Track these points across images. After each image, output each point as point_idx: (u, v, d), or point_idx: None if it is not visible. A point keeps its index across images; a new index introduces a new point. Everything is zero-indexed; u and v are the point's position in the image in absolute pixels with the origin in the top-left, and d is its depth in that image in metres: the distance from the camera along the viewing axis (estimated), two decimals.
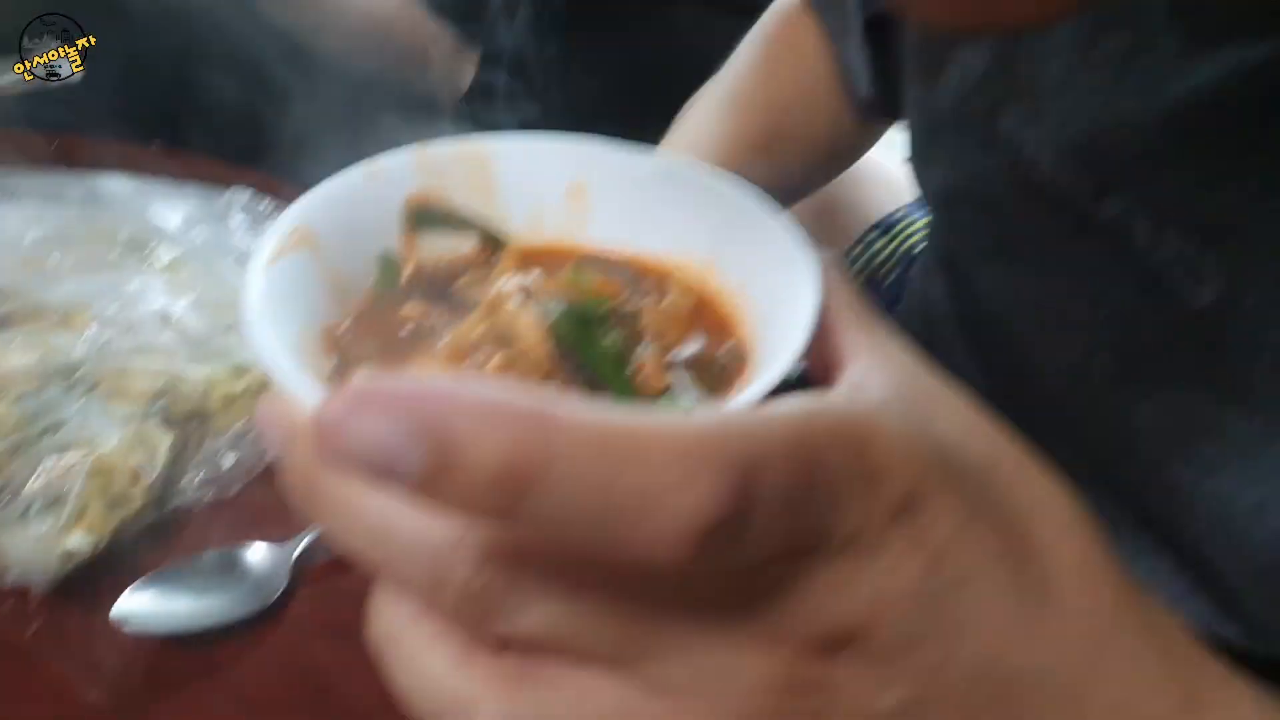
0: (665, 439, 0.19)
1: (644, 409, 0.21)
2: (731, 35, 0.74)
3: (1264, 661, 0.32)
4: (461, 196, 0.36)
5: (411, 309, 0.33)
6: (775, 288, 0.30)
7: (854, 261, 0.92)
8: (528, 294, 0.31)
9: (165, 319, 0.53)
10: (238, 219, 0.57)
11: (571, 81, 1.18)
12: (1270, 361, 0.35)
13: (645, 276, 0.35)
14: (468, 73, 1.10)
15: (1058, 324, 0.46)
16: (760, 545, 0.19)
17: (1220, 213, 0.36)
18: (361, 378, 0.18)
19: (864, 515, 0.21)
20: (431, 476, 0.18)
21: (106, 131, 0.97)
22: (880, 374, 0.25)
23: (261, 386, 0.55)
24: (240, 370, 0.55)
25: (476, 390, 0.18)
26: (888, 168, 0.91)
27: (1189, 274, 0.38)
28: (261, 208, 0.60)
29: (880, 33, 0.63)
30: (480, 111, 1.15)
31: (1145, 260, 0.39)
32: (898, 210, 0.89)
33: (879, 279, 0.90)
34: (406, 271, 0.35)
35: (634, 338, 0.32)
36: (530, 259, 0.35)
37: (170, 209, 0.56)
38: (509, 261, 0.35)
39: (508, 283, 0.32)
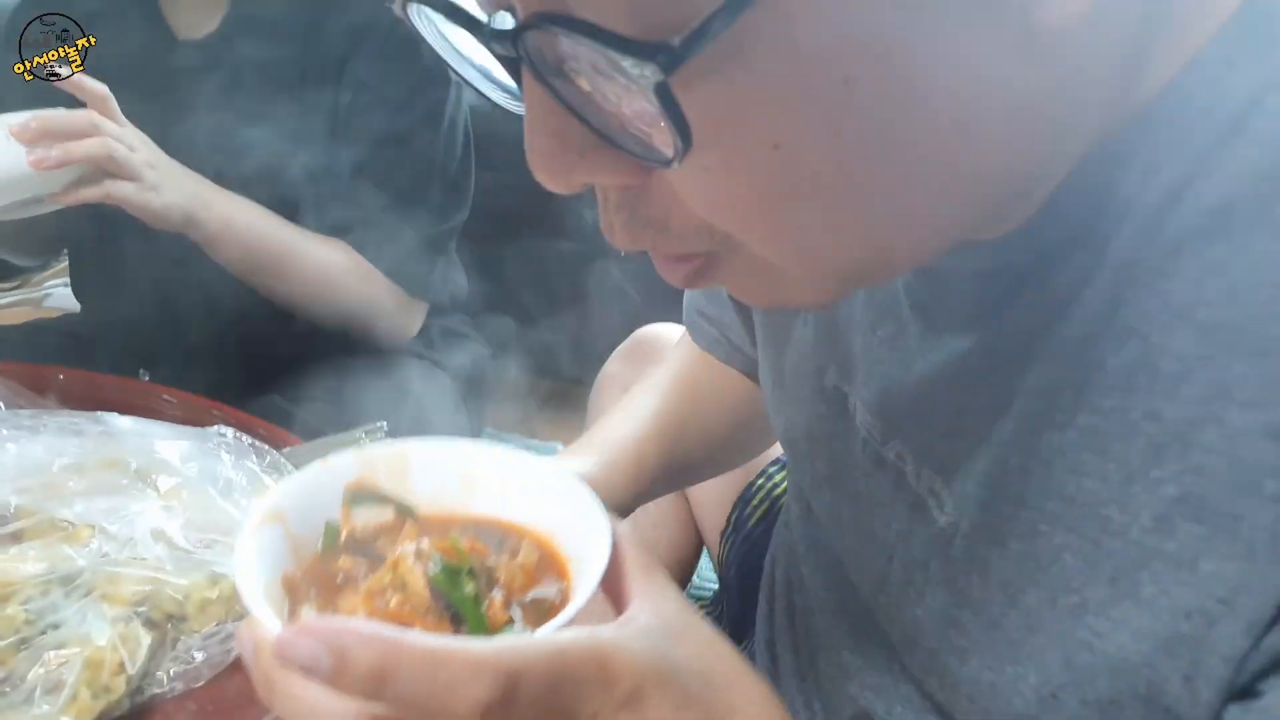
0: (467, 655, 0.35)
1: (463, 638, 0.38)
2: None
3: None
4: (386, 482, 0.51)
5: (344, 562, 0.48)
6: (587, 553, 0.46)
7: (757, 491, 1.06)
8: (418, 555, 0.46)
9: (159, 535, 0.65)
10: (225, 456, 0.70)
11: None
12: (981, 570, 0.47)
13: (509, 536, 0.50)
14: (417, 321, 1.25)
15: (866, 540, 0.57)
16: None
17: (949, 458, 0.49)
18: (304, 617, 0.34)
19: (602, 703, 0.37)
20: (334, 673, 0.35)
21: (99, 364, 1.09)
22: (645, 613, 0.41)
23: (232, 594, 0.66)
24: (215, 579, 0.66)
25: (361, 624, 0.36)
26: None
27: (936, 502, 0.50)
28: (243, 444, 0.73)
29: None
30: (432, 352, 1.29)
31: (913, 490, 0.52)
32: None
33: (777, 507, 1.04)
34: (344, 535, 0.50)
35: (490, 585, 0.47)
36: (430, 525, 0.51)
37: (172, 445, 0.69)
38: (410, 532, 0.49)
39: (405, 549, 0.47)
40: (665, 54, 0.30)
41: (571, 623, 0.40)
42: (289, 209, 1.13)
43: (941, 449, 0.50)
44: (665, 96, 0.31)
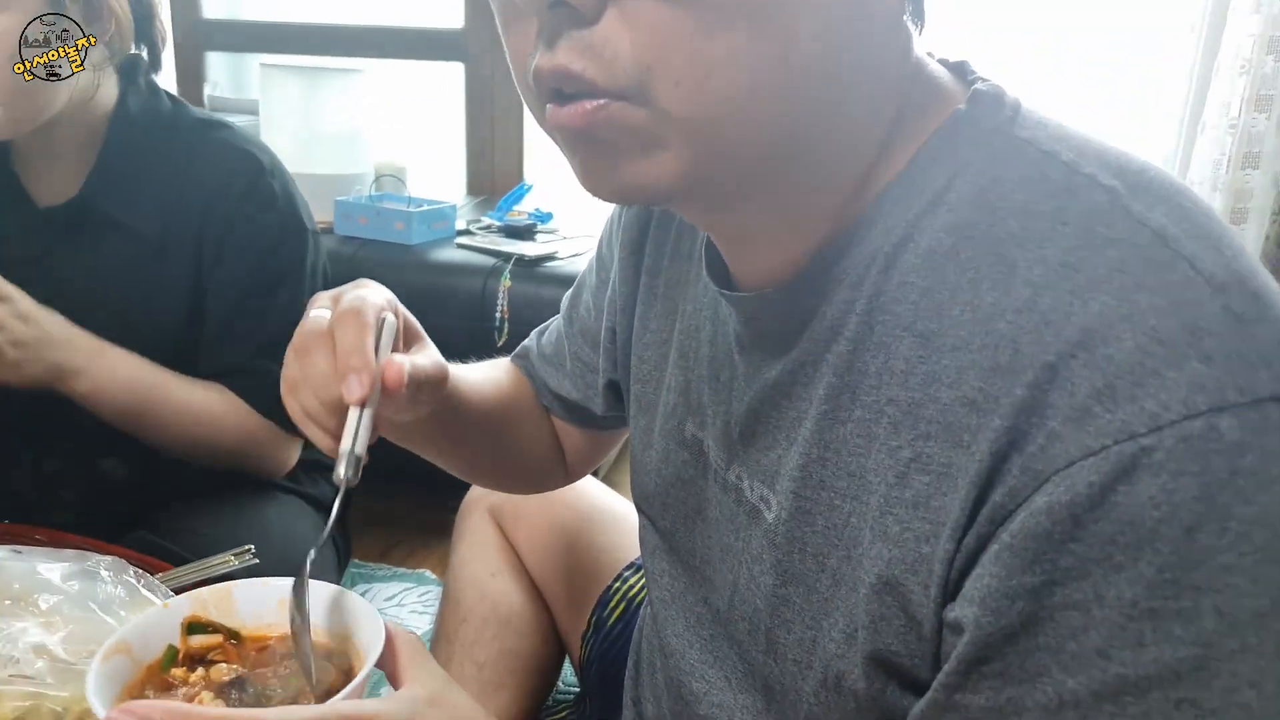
0: (251, 715, 0.49)
1: (250, 709, 0.54)
2: None
3: None
4: (216, 614, 0.65)
5: (178, 672, 0.61)
6: (371, 646, 0.58)
7: (614, 594, 1.14)
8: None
9: (40, 650, 0.69)
10: (104, 574, 0.75)
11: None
12: (800, 548, 0.57)
13: (319, 642, 0.63)
14: (294, 454, 1.28)
15: (724, 556, 0.67)
16: None
17: (771, 466, 0.61)
18: (125, 704, 0.48)
19: None
20: None
21: None
22: (413, 685, 0.56)
23: None
24: None
25: (164, 703, 0.49)
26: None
27: (765, 506, 0.61)
28: (120, 563, 0.78)
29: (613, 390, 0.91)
30: (299, 486, 1.33)
31: (749, 501, 0.63)
32: None
33: (634, 605, 1.12)
34: (180, 654, 0.62)
35: (307, 671, 0.60)
36: (255, 641, 0.64)
37: (53, 566, 0.74)
38: (232, 652, 0.64)
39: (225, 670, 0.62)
40: None
41: (350, 695, 0.54)
42: (161, 363, 1.16)
43: (765, 461, 0.62)
44: None
